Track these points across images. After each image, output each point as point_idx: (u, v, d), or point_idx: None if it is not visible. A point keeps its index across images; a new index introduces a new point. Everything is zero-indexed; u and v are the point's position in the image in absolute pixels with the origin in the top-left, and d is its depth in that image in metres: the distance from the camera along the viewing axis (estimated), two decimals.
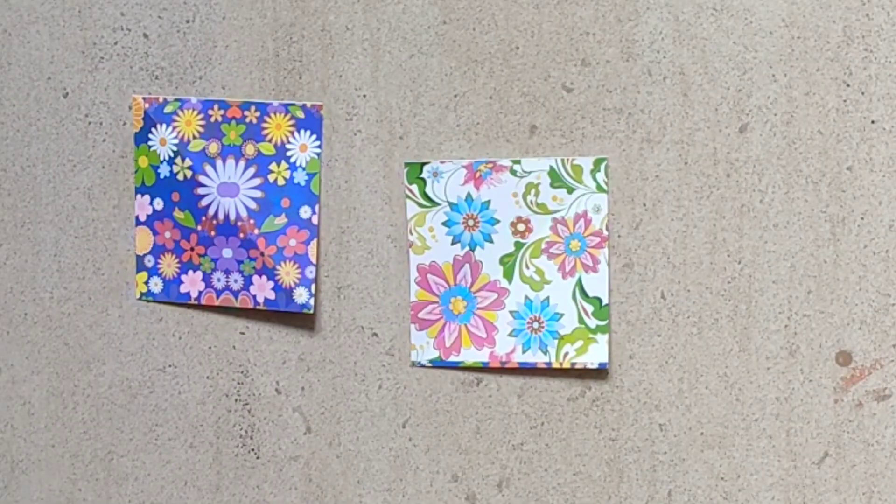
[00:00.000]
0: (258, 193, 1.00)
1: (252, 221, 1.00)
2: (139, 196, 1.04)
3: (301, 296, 0.99)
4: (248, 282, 1.00)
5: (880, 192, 0.90)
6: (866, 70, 0.90)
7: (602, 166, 0.94)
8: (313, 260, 0.99)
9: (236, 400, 1.03)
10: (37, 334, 1.10)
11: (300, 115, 1.00)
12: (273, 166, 1.01)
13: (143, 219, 1.04)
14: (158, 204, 1.03)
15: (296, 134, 1.01)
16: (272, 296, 0.99)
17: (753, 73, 0.92)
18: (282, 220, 0.99)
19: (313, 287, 0.99)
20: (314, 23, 1.00)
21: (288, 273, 0.99)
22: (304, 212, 0.99)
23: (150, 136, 1.03)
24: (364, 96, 0.99)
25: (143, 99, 1.03)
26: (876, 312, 0.90)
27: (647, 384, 0.94)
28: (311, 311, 0.99)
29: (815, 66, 0.91)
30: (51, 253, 1.09)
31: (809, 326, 0.91)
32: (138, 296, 1.04)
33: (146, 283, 1.04)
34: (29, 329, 1.10)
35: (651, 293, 0.94)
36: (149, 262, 1.03)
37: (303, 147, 1.00)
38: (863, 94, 0.90)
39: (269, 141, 1.01)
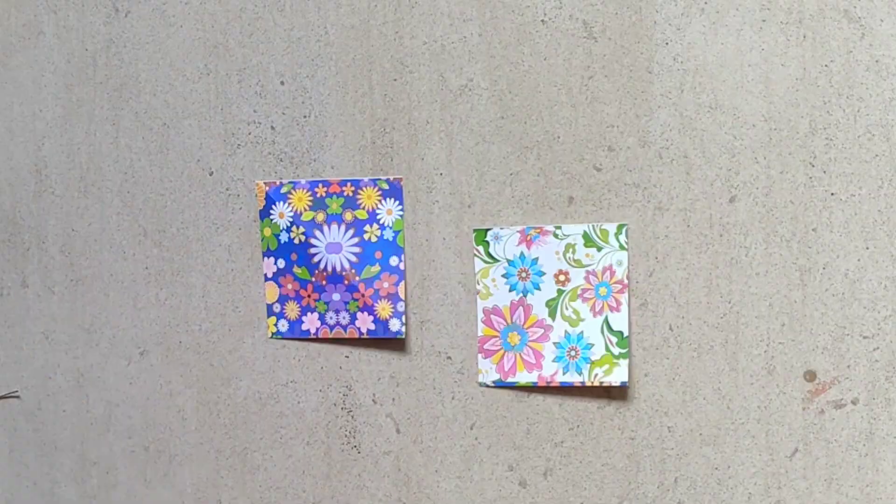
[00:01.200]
0: (357, 249, 1.04)
1: (353, 271, 1.04)
2: (266, 259, 1.08)
3: (395, 325, 1.02)
4: (353, 318, 1.03)
5: (838, 248, 0.94)
6: (827, 154, 0.95)
7: (623, 230, 0.98)
8: (402, 297, 1.02)
9: (342, 408, 1.07)
10: (189, 358, 1.13)
11: (385, 186, 1.03)
12: (367, 227, 1.04)
13: (269, 275, 1.08)
14: (281, 263, 1.07)
15: (383, 201, 1.03)
16: (373, 327, 1.03)
17: (740, 157, 0.96)
18: (376, 268, 1.03)
19: (403, 318, 1.02)
20: (402, 118, 1.05)
21: (384, 308, 1.02)
22: (393, 261, 1.02)
23: (272, 211, 1.07)
24: (440, 174, 1.03)
25: (265, 183, 1.07)
26: (835, 341, 0.94)
27: (658, 396, 0.98)
28: (403, 337, 1.02)
29: (787, 150, 0.95)
30: (199, 295, 1.13)
31: (783, 351, 0.95)
32: (269, 335, 1.08)
33: (276, 324, 1.08)
34: (183, 354, 1.14)
35: (661, 326, 0.98)
36: (276, 308, 1.07)
37: (389, 211, 1.04)
38: (825, 172, 0.94)
39: (363, 208, 1.04)
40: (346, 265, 1.03)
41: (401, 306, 1.01)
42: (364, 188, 1.03)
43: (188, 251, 1.13)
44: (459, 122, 1.04)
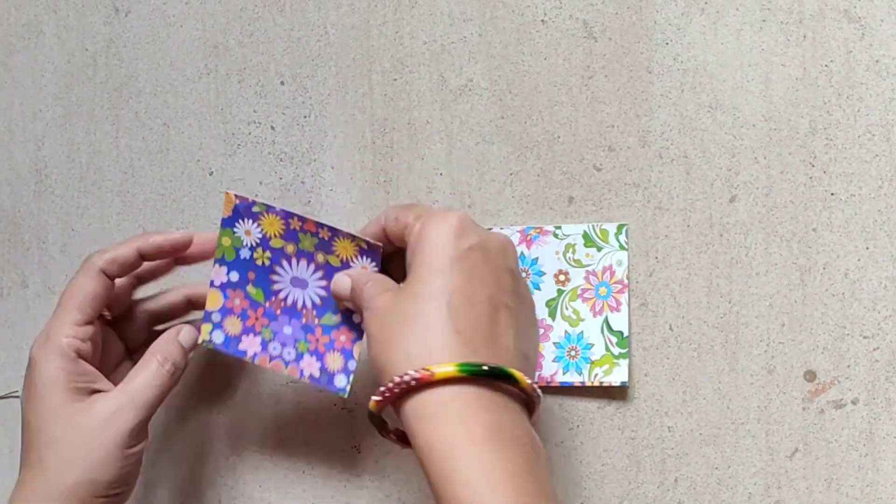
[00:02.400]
0: (323, 293, 0.97)
1: (314, 312, 0.97)
2: (217, 265, 1.00)
3: (340, 381, 0.96)
4: (299, 357, 0.97)
5: (838, 248, 0.96)
6: (827, 154, 0.97)
7: (623, 230, 1.00)
8: (355, 356, 0.96)
9: (342, 408, 1.07)
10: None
11: (364, 245, 0.95)
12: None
13: (217, 284, 1.00)
14: (234, 276, 1.00)
15: (359, 258, 0.95)
16: (317, 374, 0.96)
17: (740, 157, 0.98)
18: (337, 318, 0.97)
19: (351, 377, 0.96)
20: (402, 118, 1.06)
21: (335, 360, 0.96)
22: (356, 318, 0.96)
23: (236, 225, 0.99)
24: (441, 174, 1.05)
25: (235, 195, 0.98)
26: (835, 341, 0.96)
27: (658, 396, 0.99)
28: (346, 396, 0.96)
29: (787, 150, 0.97)
30: None
31: (783, 351, 0.97)
32: (201, 342, 1.01)
33: (210, 333, 1.00)
34: None
35: (661, 326, 1.00)
36: (216, 318, 1.00)
37: (364, 268, 0.95)
38: (824, 172, 0.96)
39: (337, 256, 0.96)
40: (308, 304, 0.97)
41: (351, 364, 0.95)
42: (341, 239, 0.96)
43: None
44: (459, 121, 1.06)
